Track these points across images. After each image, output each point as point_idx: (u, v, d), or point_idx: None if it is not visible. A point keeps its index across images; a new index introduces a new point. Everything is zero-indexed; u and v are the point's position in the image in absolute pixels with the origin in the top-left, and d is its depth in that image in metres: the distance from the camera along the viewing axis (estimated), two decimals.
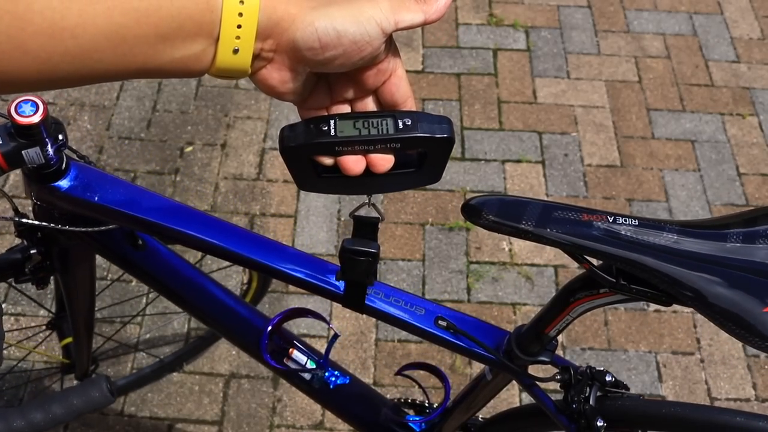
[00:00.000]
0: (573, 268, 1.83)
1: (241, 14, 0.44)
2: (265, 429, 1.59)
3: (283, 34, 0.46)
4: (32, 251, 0.95)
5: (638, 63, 2.31)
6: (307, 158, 0.53)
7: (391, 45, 0.51)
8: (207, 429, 1.59)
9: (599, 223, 0.63)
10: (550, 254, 1.86)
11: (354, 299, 0.80)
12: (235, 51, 0.45)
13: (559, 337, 1.03)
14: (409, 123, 0.52)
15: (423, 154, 0.54)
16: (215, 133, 2.07)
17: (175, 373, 1.64)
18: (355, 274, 0.71)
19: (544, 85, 2.24)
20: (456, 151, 2.06)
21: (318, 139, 0.51)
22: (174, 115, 2.10)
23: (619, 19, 2.43)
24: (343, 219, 1.92)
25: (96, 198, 0.80)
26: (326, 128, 0.51)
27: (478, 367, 1.66)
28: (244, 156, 2.03)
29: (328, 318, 1.74)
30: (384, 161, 0.53)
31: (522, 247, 1.88)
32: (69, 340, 1.27)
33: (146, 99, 2.14)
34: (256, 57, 0.47)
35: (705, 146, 2.12)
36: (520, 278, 1.82)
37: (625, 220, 0.63)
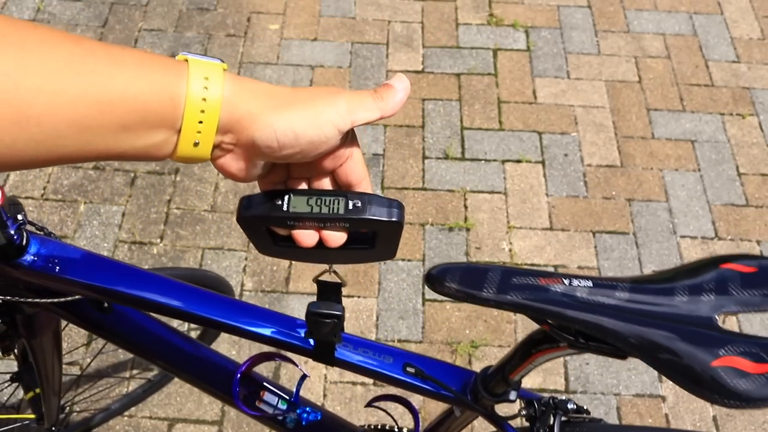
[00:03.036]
0: (572, 269, 1.83)
1: (203, 111, 0.46)
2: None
3: (243, 131, 0.48)
4: None
5: (638, 63, 2.31)
6: (264, 228, 0.56)
7: (348, 135, 0.53)
8: (207, 429, 1.59)
9: (556, 287, 0.66)
10: (550, 254, 1.86)
11: (324, 355, 0.84)
12: (196, 144, 0.47)
13: None
14: (359, 205, 0.54)
15: (375, 233, 0.57)
16: None
17: None
18: (321, 335, 0.75)
19: (544, 85, 2.24)
20: (456, 150, 2.06)
21: (271, 213, 0.54)
22: None
23: (619, 19, 2.43)
24: None
25: (57, 270, 0.81)
26: (280, 203, 0.54)
27: None
28: None
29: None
30: (336, 237, 0.55)
31: (522, 247, 1.88)
32: (32, 393, 1.23)
33: None
34: (216, 147, 0.49)
35: (705, 146, 2.12)
36: None
37: (580, 282, 0.66)
